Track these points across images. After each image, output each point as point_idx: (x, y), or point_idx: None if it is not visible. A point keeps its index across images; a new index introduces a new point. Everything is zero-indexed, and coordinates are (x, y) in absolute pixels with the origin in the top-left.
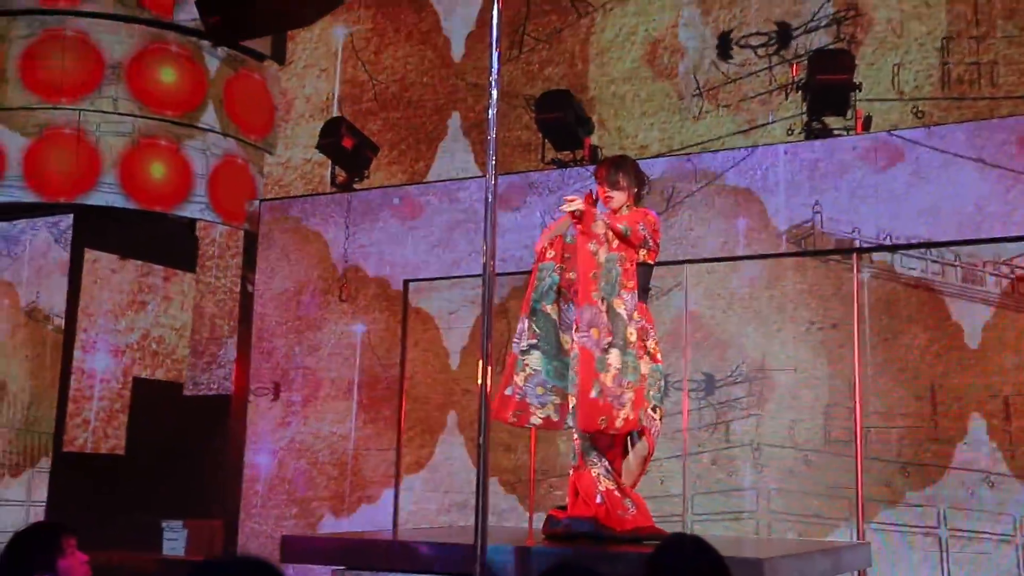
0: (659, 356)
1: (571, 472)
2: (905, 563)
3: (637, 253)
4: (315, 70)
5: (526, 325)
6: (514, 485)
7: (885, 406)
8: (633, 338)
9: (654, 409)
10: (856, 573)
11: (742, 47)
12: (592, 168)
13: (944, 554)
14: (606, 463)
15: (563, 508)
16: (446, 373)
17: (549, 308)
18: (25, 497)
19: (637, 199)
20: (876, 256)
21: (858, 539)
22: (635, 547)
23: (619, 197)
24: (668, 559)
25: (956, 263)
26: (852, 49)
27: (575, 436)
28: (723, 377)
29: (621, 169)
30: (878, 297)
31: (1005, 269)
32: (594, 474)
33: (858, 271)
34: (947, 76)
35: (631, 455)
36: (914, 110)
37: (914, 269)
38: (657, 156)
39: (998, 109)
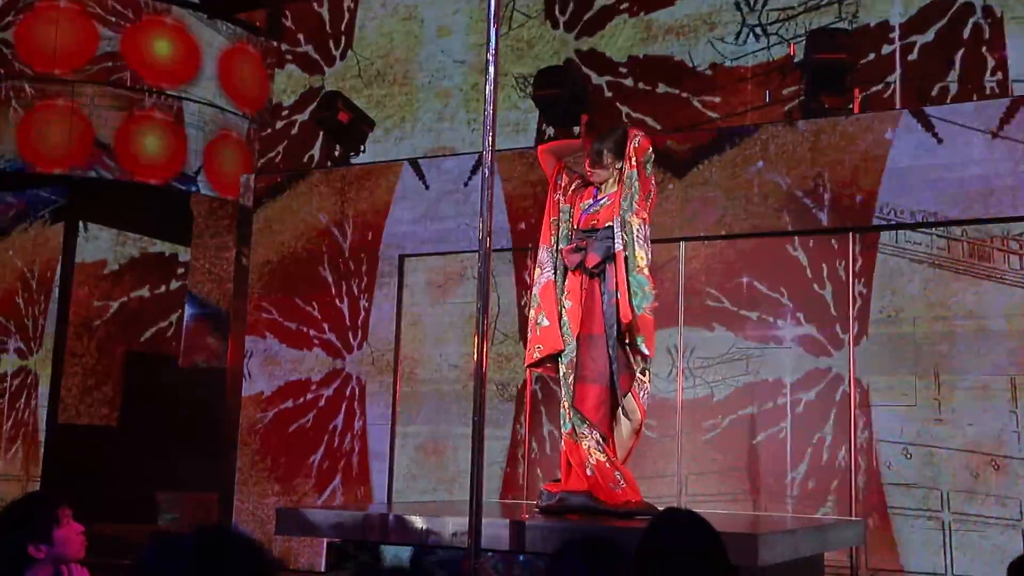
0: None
1: (563, 443)
2: (906, 547)
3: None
4: (306, 44)
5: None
6: (502, 464)
7: (887, 384)
8: None
9: (643, 372)
10: (851, 550)
11: (740, 25)
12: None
13: (947, 538)
14: (597, 435)
15: (557, 482)
16: (437, 348)
17: None
18: (22, 470)
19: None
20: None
21: (852, 516)
22: (629, 521)
23: (601, 174)
24: (663, 534)
25: (963, 239)
26: (854, 28)
27: (565, 404)
28: (719, 354)
29: (604, 147)
30: (881, 273)
31: (1015, 245)
32: (585, 446)
33: (854, 245)
34: (954, 57)
35: (623, 425)
36: (919, 89)
37: (919, 244)
38: (653, 134)
39: (1005, 89)
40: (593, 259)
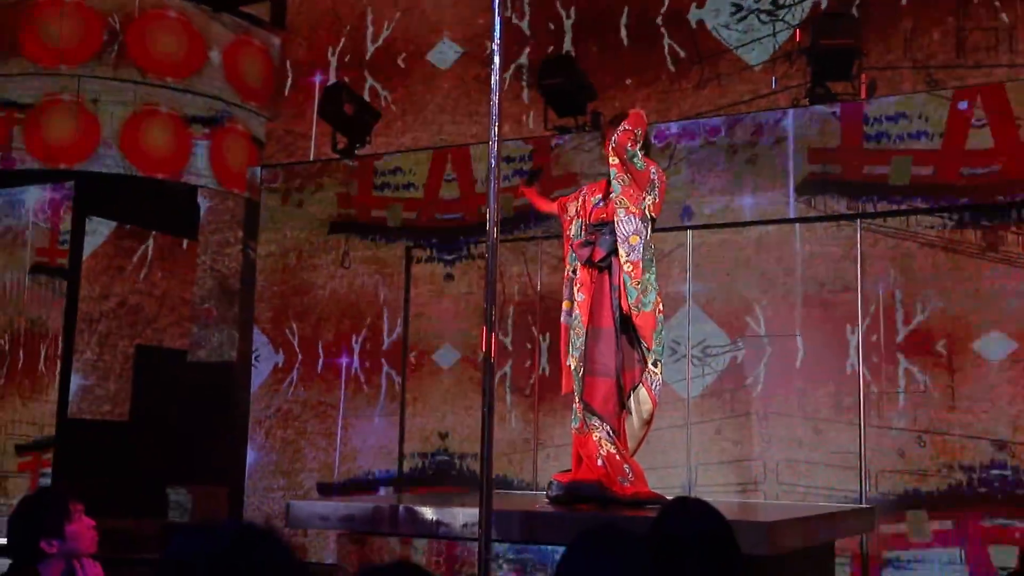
0: (661, 308)
1: (573, 436)
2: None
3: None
4: (310, 36)
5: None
6: (510, 456)
7: (900, 372)
8: None
9: (655, 363)
10: (862, 537)
11: (745, 12)
12: (593, 133)
13: (958, 525)
14: (608, 427)
15: (567, 472)
16: (442, 339)
17: None
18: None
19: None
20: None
21: (863, 504)
22: (639, 511)
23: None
24: (674, 521)
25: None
26: (862, 14)
27: (576, 400)
28: (728, 343)
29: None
30: (893, 258)
31: None
32: (595, 438)
33: (861, 236)
34: (963, 42)
35: (634, 416)
36: (927, 79)
37: (932, 228)
38: (656, 123)
39: (1016, 76)
40: (599, 253)
